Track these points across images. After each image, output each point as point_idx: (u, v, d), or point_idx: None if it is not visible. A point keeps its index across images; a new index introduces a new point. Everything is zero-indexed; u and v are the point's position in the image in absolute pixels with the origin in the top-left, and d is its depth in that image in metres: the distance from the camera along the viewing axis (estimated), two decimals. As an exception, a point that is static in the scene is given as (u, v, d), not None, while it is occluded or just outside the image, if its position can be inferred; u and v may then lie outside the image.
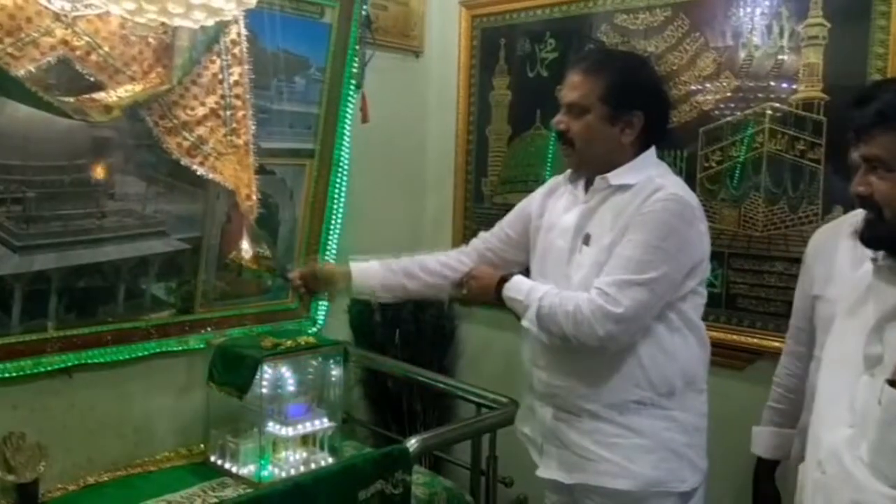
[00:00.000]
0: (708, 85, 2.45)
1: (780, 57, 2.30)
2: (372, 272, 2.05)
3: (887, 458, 1.11)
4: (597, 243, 1.80)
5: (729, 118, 2.41)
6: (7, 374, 2.17)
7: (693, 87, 2.48)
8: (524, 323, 1.81)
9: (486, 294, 1.94)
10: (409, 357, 3.06)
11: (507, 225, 2.09)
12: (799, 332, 2.01)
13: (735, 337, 2.40)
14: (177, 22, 1.73)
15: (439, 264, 2.07)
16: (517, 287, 1.84)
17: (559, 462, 1.87)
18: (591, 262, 1.79)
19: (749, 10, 2.35)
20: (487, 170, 3.13)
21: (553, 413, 1.86)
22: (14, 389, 2.21)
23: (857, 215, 1.84)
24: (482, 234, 2.14)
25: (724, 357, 2.39)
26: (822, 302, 1.88)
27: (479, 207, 3.16)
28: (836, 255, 1.85)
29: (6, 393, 2.20)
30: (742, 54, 2.37)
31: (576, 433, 1.83)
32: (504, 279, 1.88)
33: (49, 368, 2.26)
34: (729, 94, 2.41)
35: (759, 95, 2.33)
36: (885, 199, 1.19)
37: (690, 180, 2.48)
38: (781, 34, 2.29)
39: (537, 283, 1.84)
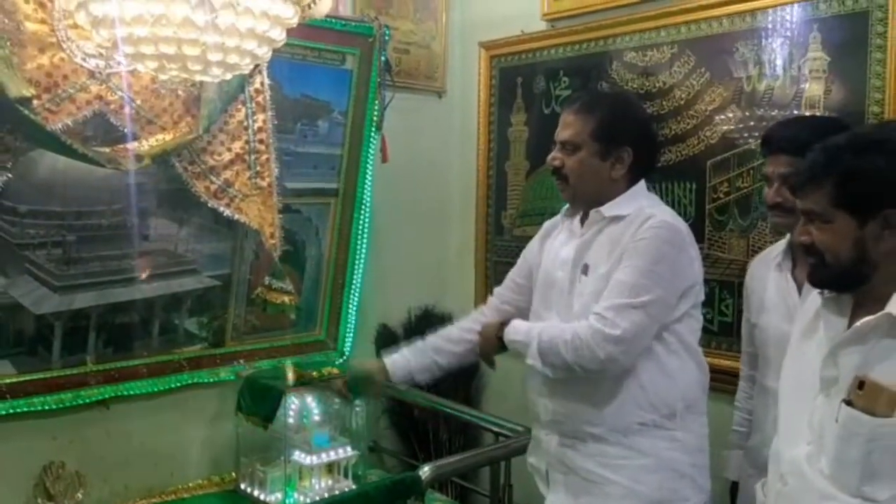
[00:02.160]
0: (714, 118, 2.51)
1: (783, 89, 2.34)
2: (404, 360, 2.12)
3: (846, 469, 1.21)
4: (595, 272, 1.88)
5: (735, 150, 2.46)
6: (48, 407, 2.31)
7: (699, 121, 2.54)
8: (528, 361, 1.89)
9: (491, 344, 2.03)
10: (434, 387, 3.14)
11: (515, 275, 2.18)
12: (748, 357, 2.10)
13: (748, 366, 2.42)
14: (197, 77, 1.87)
15: (462, 331, 2.15)
16: (516, 329, 1.93)
17: (566, 488, 1.92)
18: (590, 290, 1.87)
19: (752, 44, 2.41)
20: (507, 203, 3.22)
21: (559, 440, 1.93)
22: (54, 421, 2.35)
23: (781, 245, 1.94)
24: (496, 291, 2.24)
25: (736, 385, 2.41)
26: (757, 329, 1.98)
27: (499, 240, 3.24)
28: (766, 285, 1.95)
29: (46, 424, 2.34)
30: (746, 87, 2.43)
31: (581, 457, 1.89)
32: (503, 325, 1.97)
33: (88, 400, 2.40)
34: (734, 127, 2.46)
35: (764, 126, 2.37)
36: (824, 247, 1.30)
37: (699, 212, 2.54)
38: (784, 67, 2.34)
39: (534, 322, 1.94)
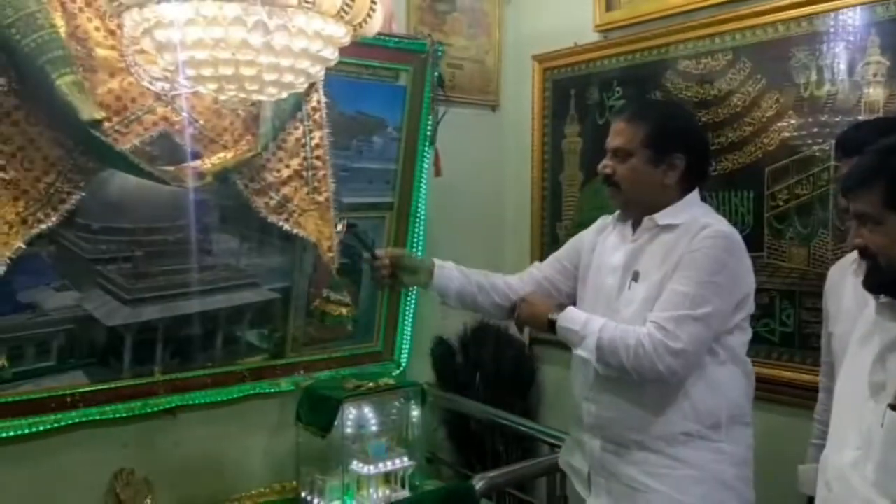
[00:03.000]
0: (771, 125, 2.47)
1: (841, 94, 2.30)
2: (452, 276, 2.10)
3: (890, 475, 1.19)
4: (646, 279, 1.87)
5: (794, 157, 2.42)
6: (118, 415, 2.41)
7: (757, 128, 2.51)
8: (579, 352, 1.87)
9: (536, 320, 2.01)
10: (490, 398, 3.16)
11: (562, 257, 2.18)
12: (828, 368, 2.04)
13: (809, 377, 2.35)
14: (254, 97, 1.94)
15: (506, 286, 2.13)
16: (572, 318, 1.90)
17: (608, 493, 1.93)
18: (642, 297, 1.87)
19: (809, 50, 2.37)
20: (562, 214, 3.23)
21: (601, 445, 1.93)
22: (124, 429, 2.46)
23: None
24: (537, 264, 2.25)
25: (799, 398, 2.36)
26: (833, 338, 1.91)
27: (554, 251, 3.23)
28: (843, 292, 1.89)
29: (117, 432, 2.44)
30: (804, 93, 2.39)
31: (624, 464, 1.88)
32: (557, 309, 1.95)
33: (156, 409, 2.50)
34: (793, 134, 2.42)
35: (824, 132, 2.33)
36: (878, 250, 1.29)
37: (758, 220, 2.50)
38: (843, 72, 2.29)
39: (593, 315, 1.90)
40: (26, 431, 2.25)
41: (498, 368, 3.22)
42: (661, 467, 1.83)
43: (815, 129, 2.37)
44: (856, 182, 1.31)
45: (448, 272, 2.10)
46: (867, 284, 1.35)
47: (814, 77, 2.36)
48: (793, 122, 2.42)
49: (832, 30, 2.31)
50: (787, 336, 2.45)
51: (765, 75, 2.49)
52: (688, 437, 1.82)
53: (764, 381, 2.43)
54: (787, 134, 2.44)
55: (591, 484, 1.97)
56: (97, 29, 2.13)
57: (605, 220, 2.12)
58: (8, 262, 2.04)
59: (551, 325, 1.93)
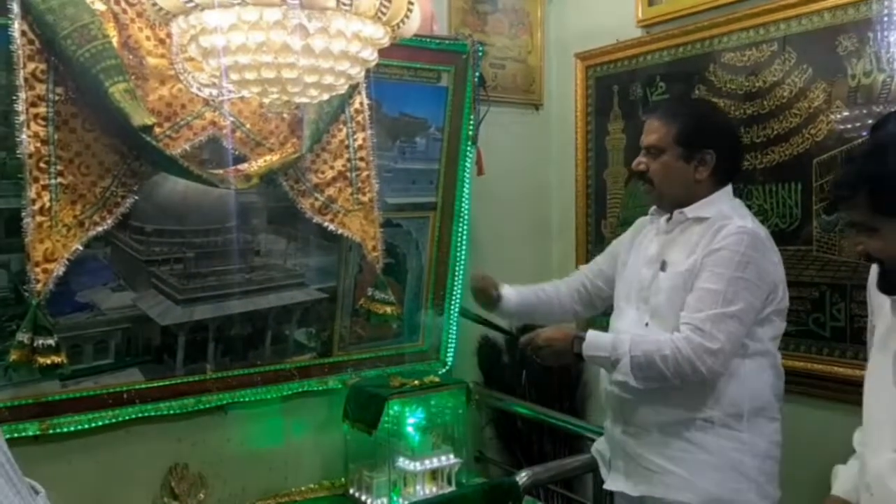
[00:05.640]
0: (819, 115, 2.42)
1: (889, 83, 2.24)
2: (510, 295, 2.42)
3: None
4: (672, 269, 1.93)
5: (842, 147, 2.36)
6: (173, 411, 2.48)
7: (803, 119, 2.46)
8: (617, 376, 1.91)
9: (562, 357, 2.07)
10: (537, 397, 3.16)
11: (602, 262, 2.31)
12: None
13: (862, 372, 2.28)
14: (296, 99, 1.99)
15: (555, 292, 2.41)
16: (597, 343, 1.93)
17: (626, 475, 1.98)
18: (667, 286, 1.92)
19: (856, 38, 2.31)
20: (607, 212, 3.21)
21: (622, 428, 1.99)
22: (178, 424, 2.52)
23: None
24: (582, 267, 2.42)
25: (853, 393, 2.29)
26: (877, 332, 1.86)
27: (599, 249, 3.19)
28: None
29: (172, 428, 2.51)
30: (852, 83, 2.34)
31: (643, 447, 1.94)
32: (578, 338, 1.98)
33: (208, 406, 2.56)
34: (840, 124, 2.37)
35: (871, 122, 2.27)
36: (879, 255, 1.31)
37: (806, 213, 2.45)
38: (889, 61, 2.23)
39: (617, 336, 1.95)
40: (86, 426, 2.33)
41: (544, 368, 3.21)
42: (678, 451, 1.87)
43: (863, 120, 2.31)
44: (843, 193, 1.32)
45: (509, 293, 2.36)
46: (881, 287, 1.36)
47: (863, 66, 2.31)
48: (841, 111, 2.37)
49: (879, 16, 2.25)
50: (839, 331, 2.39)
51: (810, 65, 2.44)
52: (707, 423, 1.86)
53: (815, 377, 2.41)
54: (834, 125, 2.39)
55: (610, 466, 2.04)
56: (148, 38, 2.21)
57: (642, 221, 2.20)
58: (67, 262, 2.12)
59: (578, 357, 1.98)
